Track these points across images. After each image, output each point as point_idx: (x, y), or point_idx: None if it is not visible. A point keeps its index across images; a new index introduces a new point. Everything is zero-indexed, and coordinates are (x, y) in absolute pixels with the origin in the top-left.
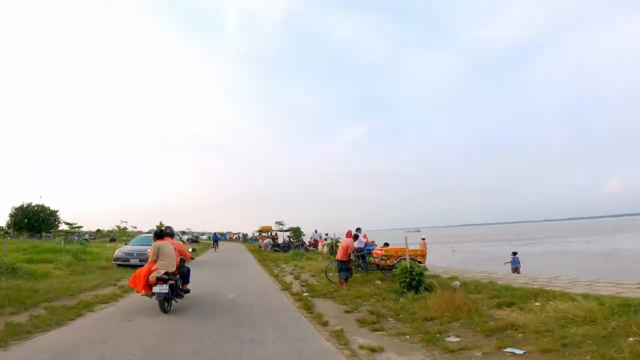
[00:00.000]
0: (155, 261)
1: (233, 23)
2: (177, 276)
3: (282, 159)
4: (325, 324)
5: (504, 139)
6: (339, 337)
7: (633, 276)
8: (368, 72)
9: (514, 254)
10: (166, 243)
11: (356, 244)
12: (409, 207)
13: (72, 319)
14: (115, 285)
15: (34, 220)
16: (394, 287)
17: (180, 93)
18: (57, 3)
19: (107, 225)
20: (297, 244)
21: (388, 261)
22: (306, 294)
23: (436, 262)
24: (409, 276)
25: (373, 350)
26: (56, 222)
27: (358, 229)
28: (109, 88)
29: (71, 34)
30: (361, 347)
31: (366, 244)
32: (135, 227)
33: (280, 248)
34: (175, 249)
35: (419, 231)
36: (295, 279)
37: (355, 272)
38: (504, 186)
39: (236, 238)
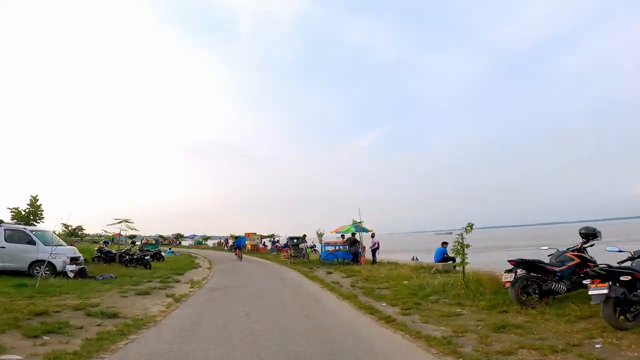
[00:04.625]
0: None
1: (247, 28)
2: None
3: (297, 161)
4: None
5: (519, 139)
6: None
7: None
8: (385, 74)
9: None
10: None
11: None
12: (425, 208)
13: None
14: None
15: None
16: None
17: (192, 97)
18: (74, 9)
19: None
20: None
21: None
22: None
23: None
24: None
25: None
26: None
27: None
28: (119, 91)
29: (87, 46)
30: None
31: None
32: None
33: None
34: None
35: (450, 233)
36: None
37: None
38: (526, 186)
39: (264, 246)
